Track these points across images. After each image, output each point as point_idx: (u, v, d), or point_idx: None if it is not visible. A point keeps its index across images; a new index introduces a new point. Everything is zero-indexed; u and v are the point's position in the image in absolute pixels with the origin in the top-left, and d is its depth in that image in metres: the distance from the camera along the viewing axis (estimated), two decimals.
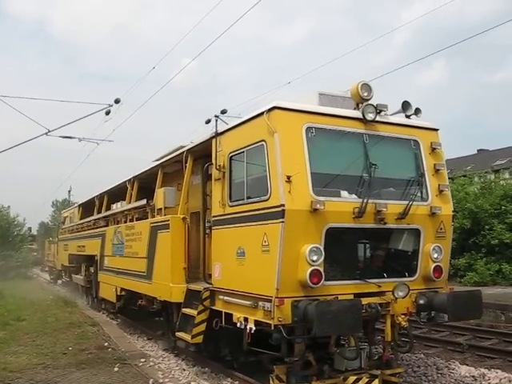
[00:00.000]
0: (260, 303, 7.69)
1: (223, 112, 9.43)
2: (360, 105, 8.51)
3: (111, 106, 16.10)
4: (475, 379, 9.71)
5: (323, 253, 7.49)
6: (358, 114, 8.40)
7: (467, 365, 10.74)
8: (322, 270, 7.47)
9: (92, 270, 19.57)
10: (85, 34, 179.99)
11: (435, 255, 8.57)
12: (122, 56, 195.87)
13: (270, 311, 7.39)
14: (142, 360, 11.24)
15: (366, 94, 8.45)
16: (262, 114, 7.95)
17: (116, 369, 10.29)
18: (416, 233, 8.56)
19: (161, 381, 9.58)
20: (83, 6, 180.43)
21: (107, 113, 16.45)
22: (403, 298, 8.13)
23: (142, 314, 14.80)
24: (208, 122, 11.80)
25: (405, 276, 8.50)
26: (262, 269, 7.77)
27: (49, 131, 16.80)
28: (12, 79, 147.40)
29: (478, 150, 68.13)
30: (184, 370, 10.68)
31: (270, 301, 7.42)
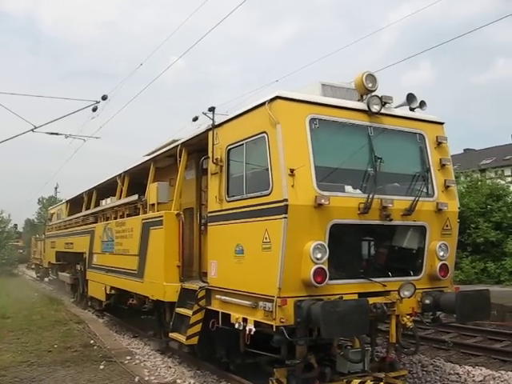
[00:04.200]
0: (260, 303, 7.31)
1: (211, 109, 9.07)
2: (364, 96, 8.17)
3: (98, 102, 15.84)
4: (460, 376, 9.62)
5: (327, 250, 7.14)
6: (362, 105, 8.06)
7: (452, 362, 10.69)
8: (326, 268, 7.11)
9: (79, 267, 19.17)
10: (74, 31, 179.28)
11: (441, 253, 8.25)
12: (110, 53, 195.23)
13: (272, 312, 7.01)
14: (128, 358, 11.26)
15: (370, 85, 8.10)
16: (264, 104, 7.55)
17: (102, 366, 10.29)
18: (422, 230, 8.24)
19: (146, 378, 9.56)
20: (73, 3, 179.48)
21: (94, 109, 16.23)
22: (409, 297, 7.80)
23: (129, 312, 14.47)
24: (195, 119, 11.55)
25: (410, 275, 8.18)
26: (262, 267, 7.39)
27: (35, 127, 16.49)
28: None
29: (465, 150, 68.27)
30: (170, 367, 10.66)
31: (271, 301, 7.05)
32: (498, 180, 29.85)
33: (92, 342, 12.77)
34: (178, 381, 9.50)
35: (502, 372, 9.72)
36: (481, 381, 9.32)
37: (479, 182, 28.28)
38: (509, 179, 31.40)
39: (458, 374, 9.74)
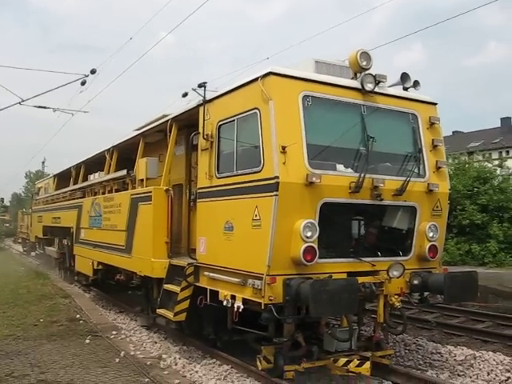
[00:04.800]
0: (249, 281, 7.27)
1: (200, 86, 8.95)
2: (358, 74, 8.07)
3: (87, 76, 15.66)
4: (442, 356, 9.70)
5: (318, 229, 7.10)
6: (356, 83, 7.97)
7: (434, 342, 10.77)
8: (316, 246, 7.08)
9: (65, 242, 19.06)
10: (63, 3, 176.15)
11: (431, 234, 8.25)
12: (100, 26, 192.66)
13: (261, 289, 6.98)
14: (114, 332, 11.28)
15: (365, 63, 7.99)
16: (256, 79, 7.43)
17: (87, 341, 10.30)
18: (412, 210, 8.23)
19: (132, 353, 9.56)
20: None
21: (83, 83, 16.03)
22: (398, 277, 7.82)
23: (115, 287, 14.44)
24: (185, 95, 11.40)
25: (399, 255, 8.19)
26: (252, 244, 7.35)
27: (23, 100, 16.27)
28: None
29: (453, 132, 68.56)
30: (156, 342, 10.68)
31: (260, 278, 7.02)
32: (486, 163, 29.87)
33: (78, 316, 12.75)
34: (164, 356, 9.50)
35: (483, 352, 9.82)
36: (462, 360, 9.39)
37: (467, 165, 28.32)
38: (496, 162, 31.46)
39: (440, 353, 9.84)
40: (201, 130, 8.77)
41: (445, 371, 8.84)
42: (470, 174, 26.22)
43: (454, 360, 9.43)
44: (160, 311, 9.56)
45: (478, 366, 9.06)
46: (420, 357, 9.64)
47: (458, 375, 8.69)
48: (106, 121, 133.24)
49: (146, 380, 7.92)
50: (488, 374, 8.70)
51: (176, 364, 9.08)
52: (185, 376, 8.50)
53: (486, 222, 24.29)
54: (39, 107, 18.39)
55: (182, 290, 8.89)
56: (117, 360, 8.96)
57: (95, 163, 15.71)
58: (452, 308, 13.93)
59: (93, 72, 15.47)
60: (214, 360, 9.22)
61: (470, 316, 13.44)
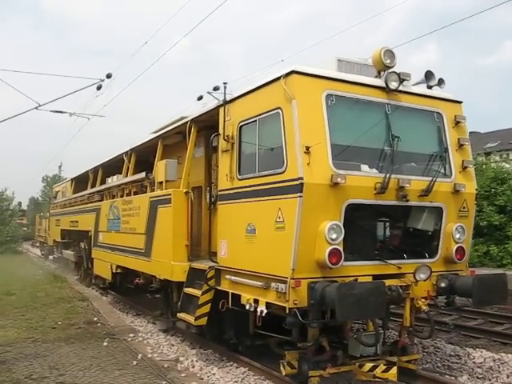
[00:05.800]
0: (273, 284, 7.13)
1: (215, 89, 8.86)
2: (382, 73, 7.90)
3: (103, 80, 15.61)
4: (460, 358, 9.57)
5: (343, 231, 6.93)
6: (380, 82, 7.80)
7: (453, 344, 10.64)
8: (341, 249, 6.90)
9: (83, 245, 19.05)
10: (77, 8, 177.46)
11: (458, 235, 8.05)
12: (115, 31, 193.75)
13: (285, 293, 6.83)
14: (131, 335, 11.31)
15: (388, 61, 7.82)
16: (279, 78, 7.28)
17: (105, 343, 10.34)
18: (438, 211, 8.02)
19: (149, 356, 9.57)
20: None
21: (98, 88, 15.98)
22: (424, 280, 7.62)
23: (133, 290, 14.39)
24: (200, 98, 11.32)
25: (425, 257, 7.99)
26: (275, 247, 7.19)
27: (39, 105, 16.22)
28: (0, 52, 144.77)
29: (470, 132, 67.22)
30: (173, 345, 10.64)
31: (284, 282, 6.86)
32: (503, 163, 29.49)
33: (96, 319, 12.79)
34: (181, 358, 9.45)
35: (502, 354, 9.70)
36: (481, 363, 9.25)
37: (484, 165, 27.98)
38: None
39: (458, 355, 9.70)
40: (221, 131, 8.65)
41: (463, 374, 8.72)
42: (488, 174, 25.90)
43: (473, 362, 9.31)
44: (180, 315, 9.43)
45: (498, 369, 8.94)
46: (438, 359, 9.52)
47: (477, 378, 8.57)
48: (121, 125, 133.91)
49: (164, 382, 7.90)
50: (507, 377, 8.58)
51: (193, 366, 9.01)
52: (202, 378, 8.45)
53: (504, 223, 24.02)
54: (56, 112, 18.36)
55: (203, 293, 8.75)
56: (134, 362, 8.94)
57: (113, 166, 15.66)
58: (470, 310, 13.74)
59: (108, 76, 15.46)
60: (232, 362, 9.16)
61: (488, 318, 13.32)
